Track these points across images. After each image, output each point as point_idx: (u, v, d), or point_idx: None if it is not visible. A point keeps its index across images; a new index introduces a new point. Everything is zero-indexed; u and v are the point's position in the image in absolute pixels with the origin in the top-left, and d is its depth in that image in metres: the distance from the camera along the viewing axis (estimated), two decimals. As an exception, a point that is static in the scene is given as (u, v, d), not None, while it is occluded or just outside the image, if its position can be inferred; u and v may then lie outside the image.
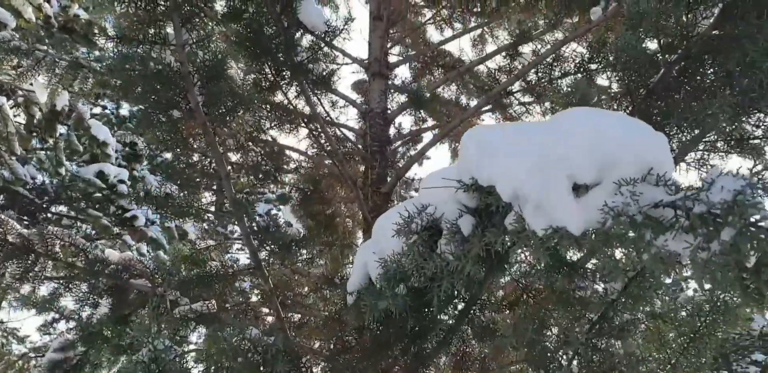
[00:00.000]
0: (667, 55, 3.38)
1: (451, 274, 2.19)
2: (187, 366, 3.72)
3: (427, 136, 7.14)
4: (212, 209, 11.53)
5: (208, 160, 5.48)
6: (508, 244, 1.99)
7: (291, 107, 5.32)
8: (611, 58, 4.14)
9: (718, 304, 3.89)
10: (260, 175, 5.39)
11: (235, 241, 10.21)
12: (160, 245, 10.42)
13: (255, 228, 4.11)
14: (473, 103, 6.98)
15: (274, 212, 12.33)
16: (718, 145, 3.57)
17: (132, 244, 10.60)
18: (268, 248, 4.23)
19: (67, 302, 5.43)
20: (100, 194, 10.49)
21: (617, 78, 3.85)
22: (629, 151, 1.65)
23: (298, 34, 4.97)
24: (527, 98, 6.25)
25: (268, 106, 5.39)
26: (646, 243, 1.54)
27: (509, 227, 1.89)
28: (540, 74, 5.77)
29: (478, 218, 2.09)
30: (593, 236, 1.65)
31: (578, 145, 1.69)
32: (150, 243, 10.56)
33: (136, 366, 2.94)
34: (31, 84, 7.53)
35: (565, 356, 2.71)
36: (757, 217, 1.40)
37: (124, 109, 13.74)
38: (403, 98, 6.32)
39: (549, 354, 2.51)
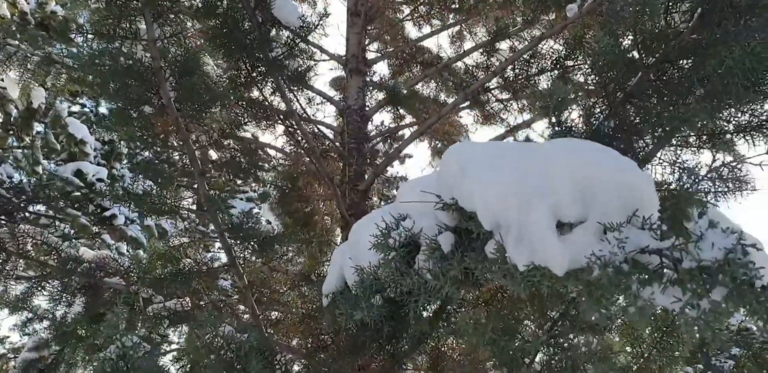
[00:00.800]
0: (645, 59, 3.39)
1: (428, 291, 2.16)
2: (161, 363, 3.69)
3: (406, 134, 7.13)
4: (193, 207, 11.46)
5: (184, 157, 5.44)
6: (488, 271, 1.96)
7: (267, 104, 5.28)
8: (589, 62, 4.14)
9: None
10: (236, 172, 5.35)
11: (216, 239, 10.15)
12: (140, 243, 10.32)
13: (229, 225, 4.08)
14: (452, 100, 6.97)
15: (256, 210, 12.28)
16: (690, 140, 3.58)
17: (111, 243, 10.50)
18: (242, 244, 4.20)
19: (41, 301, 5.38)
20: (78, 193, 10.39)
21: (594, 81, 3.86)
22: (614, 189, 1.62)
23: (273, 30, 4.93)
24: (505, 95, 6.26)
25: (244, 102, 5.35)
26: (632, 295, 1.51)
27: (490, 255, 1.85)
28: (517, 71, 5.77)
29: (458, 236, 2.05)
30: (576, 281, 1.62)
31: (563, 180, 1.66)
32: (130, 242, 10.48)
33: (104, 363, 2.90)
34: (2, 80, 7.43)
35: (527, 355, 2.69)
36: (748, 277, 1.39)
37: (103, 107, 13.61)
38: (381, 95, 6.30)
39: (511, 353, 2.49)
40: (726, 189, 3.71)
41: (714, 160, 2.97)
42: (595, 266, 1.51)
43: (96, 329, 4.79)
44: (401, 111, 6.90)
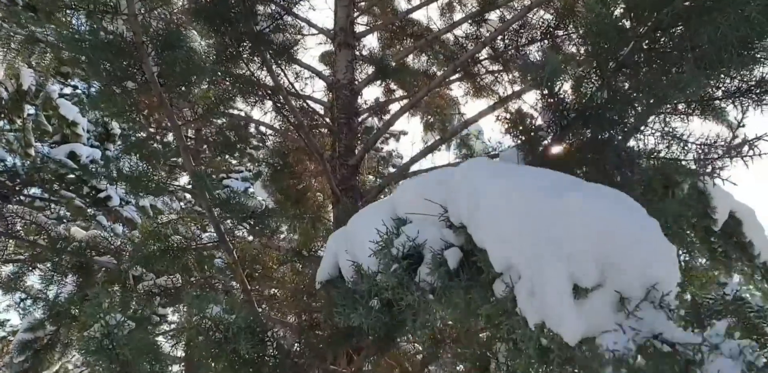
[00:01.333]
0: (637, 27, 3.33)
1: (428, 311, 2.10)
2: (154, 340, 3.68)
3: (397, 109, 7.07)
4: (189, 186, 11.40)
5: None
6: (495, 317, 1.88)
7: (254, 79, 5.22)
8: (580, 31, 4.08)
9: (687, 266, 3.91)
10: (226, 148, 5.31)
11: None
12: (136, 224, 10.33)
13: (217, 201, 4.04)
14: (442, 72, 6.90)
15: (251, 190, 12.27)
16: (680, 107, 3.53)
17: (107, 224, 10.50)
18: (231, 220, 4.18)
19: (34, 282, 5.37)
20: (72, 175, 10.36)
21: (585, 51, 3.79)
22: (636, 258, 1.53)
23: (258, 3, 4.86)
24: (496, 67, 6.18)
25: (230, 78, 5.28)
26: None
27: (498, 295, 1.79)
28: (507, 41, 5.70)
29: (464, 255, 1.98)
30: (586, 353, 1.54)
31: (581, 238, 1.56)
32: (125, 223, 10.48)
33: (88, 342, 2.89)
34: (-15, 60, 7.35)
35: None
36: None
37: (95, 88, 13.50)
38: (370, 69, 6.23)
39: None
40: (716, 157, 3.68)
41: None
42: (608, 364, 1.45)
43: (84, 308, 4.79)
44: (391, 85, 6.83)
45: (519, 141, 3.70)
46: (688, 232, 3.77)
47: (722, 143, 3.54)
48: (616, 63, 3.59)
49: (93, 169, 10.34)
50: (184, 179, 11.38)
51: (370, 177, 7.36)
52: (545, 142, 3.62)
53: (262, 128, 7.19)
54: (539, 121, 3.75)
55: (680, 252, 3.68)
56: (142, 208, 10.58)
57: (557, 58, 3.68)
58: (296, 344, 3.95)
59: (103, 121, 11.55)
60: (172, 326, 6.83)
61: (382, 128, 5.86)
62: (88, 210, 10.52)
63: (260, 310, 4.57)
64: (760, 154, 2.67)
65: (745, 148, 2.68)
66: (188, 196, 11.60)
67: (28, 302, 5.41)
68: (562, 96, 3.61)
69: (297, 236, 5.81)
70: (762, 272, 5.95)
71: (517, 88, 6.15)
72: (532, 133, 3.53)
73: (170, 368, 3.89)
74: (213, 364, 3.35)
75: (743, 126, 2.68)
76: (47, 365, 5.85)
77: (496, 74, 6.28)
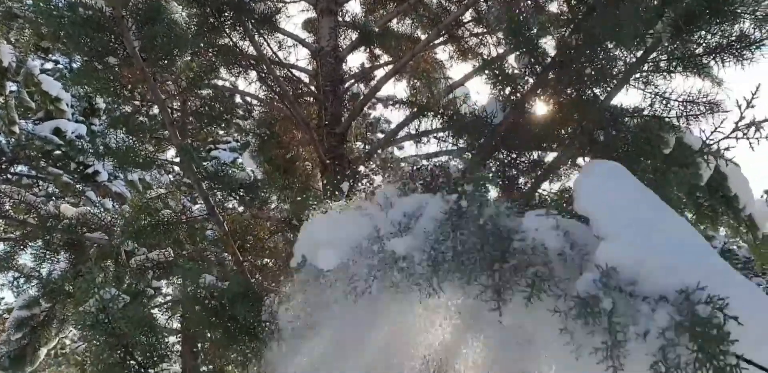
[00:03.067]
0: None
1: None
2: (149, 313, 3.71)
3: (383, 74, 7.02)
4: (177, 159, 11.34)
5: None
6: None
7: (237, 49, 5.17)
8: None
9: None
10: (211, 120, 5.28)
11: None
12: (125, 199, 10.32)
13: (204, 174, 4.04)
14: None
15: (240, 160, 12.23)
16: (662, 64, 3.53)
17: (96, 200, 10.48)
18: (220, 193, 4.18)
19: (27, 260, 5.39)
20: (58, 152, 10.29)
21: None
22: None
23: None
24: (480, 29, 6.14)
25: (213, 49, 5.23)
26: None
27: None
28: (490, 2, 5.64)
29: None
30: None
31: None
32: (114, 198, 10.46)
33: (84, 317, 2.91)
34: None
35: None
36: None
37: (77, 63, 13.31)
38: (354, 35, 6.17)
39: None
40: (698, 113, 3.69)
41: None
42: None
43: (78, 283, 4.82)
44: (376, 50, 6.77)
45: (498, 90, 3.69)
46: (674, 187, 3.80)
47: (704, 100, 3.55)
48: (587, 6, 3.58)
49: (79, 145, 10.27)
50: (171, 152, 11.34)
51: (359, 144, 7.35)
52: (522, 90, 3.61)
53: (248, 99, 7.15)
54: (516, 70, 3.74)
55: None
56: (130, 182, 10.55)
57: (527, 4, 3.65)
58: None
59: (87, 96, 11.42)
60: (167, 298, 6.89)
61: (368, 95, 5.83)
62: (77, 186, 10.49)
63: (253, 280, 4.61)
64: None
65: (752, 129, 2.69)
66: (177, 168, 11.56)
67: (22, 280, 5.44)
68: (535, 41, 3.61)
69: (287, 206, 5.82)
70: (747, 224, 6.01)
71: (501, 50, 6.12)
72: (509, 80, 3.53)
73: (167, 340, 3.93)
74: (209, 333, 3.39)
75: (752, 106, 2.65)
76: (45, 341, 5.91)
77: (480, 36, 6.23)
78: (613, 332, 1.33)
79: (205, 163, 4.09)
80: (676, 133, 3.79)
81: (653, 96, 3.71)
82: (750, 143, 2.43)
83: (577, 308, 1.41)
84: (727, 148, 2.71)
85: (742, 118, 2.39)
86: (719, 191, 5.41)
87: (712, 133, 2.59)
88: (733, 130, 2.55)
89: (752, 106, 2.34)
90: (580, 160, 4.81)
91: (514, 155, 5.00)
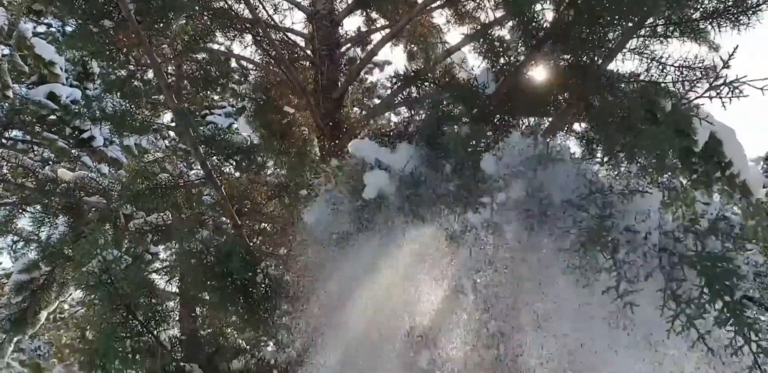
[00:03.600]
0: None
1: None
2: (148, 274, 3.78)
3: (379, 39, 6.97)
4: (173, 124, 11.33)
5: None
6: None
7: (232, 12, 5.13)
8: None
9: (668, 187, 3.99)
10: (207, 84, 5.27)
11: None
12: (121, 164, 10.30)
13: (201, 138, 4.06)
14: None
15: (235, 125, 12.19)
16: (658, 29, 3.53)
17: (92, 165, 10.46)
18: (216, 157, 4.20)
19: (24, 224, 5.43)
20: (53, 116, 10.23)
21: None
22: None
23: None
24: (478, -8, 6.09)
25: (208, 12, 5.19)
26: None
27: None
28: (487, -34, 5.59)
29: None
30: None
31: None
32: (110, 163, 10.44)
33: (87, 277, 2.96)
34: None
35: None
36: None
37: (71, 26, 13.14)
38: (350, -2, 6.12)
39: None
40: (695, 78, 3.70)
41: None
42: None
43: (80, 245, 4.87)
44: (372, 14, 6.71)
45: (490, 61, 3.70)
46: (669, 153, 3.84)
47: (700, 65, 3.56)
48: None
49: (75, 110, 10.22)
50: (167, 117, 11.30)
51: (355, 109, 7.34)
52: (516, 61, 3.61)
53: (244, 63, 7.11)
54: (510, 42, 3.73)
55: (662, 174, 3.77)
56: (126, 147, 10.52)
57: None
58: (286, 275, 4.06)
59: (81, 60, 11.31)
60: (165, 264, 6.95)
61: (365, 59, 5.81)
62: (72, 151, 10.46)
63: (251, 244, 4.66)
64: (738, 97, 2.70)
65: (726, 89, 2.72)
66: (173, 134, 11.55)
67: (20, 244, 5.48)
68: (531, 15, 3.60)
69: (284, 172, 5.85)
70: (742, 190, 6.07)
71: (499, 14, 6.07)
72: (502, 52, 3.53)
73: (166, 304, 4.00)
74: (207, 294, 3.45)
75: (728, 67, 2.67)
76: (45, 304, 5.98)
77: (477, 0, 6.18)
78: (621, 269, 1.38)
79: (201, 128, 4.10)
80: (672, 99, 3.80)
81: (650, 61, 3.72)
82: (722, 103, 2.48)
83: (583, 242, 1.47)
84: (697, 106, 2.78)
85: (717, 77, 2.42)
86: (714, 157, 5.44)
87: (687, 92, 2.63)
88: (707, 90, 2.59)
89: (728, 67, 2.38)
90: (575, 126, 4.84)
91: (509, 119, 5.01)
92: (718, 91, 2.64)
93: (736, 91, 2.64)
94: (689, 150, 5.03)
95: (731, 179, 5.71)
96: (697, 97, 2.81)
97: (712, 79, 2.66)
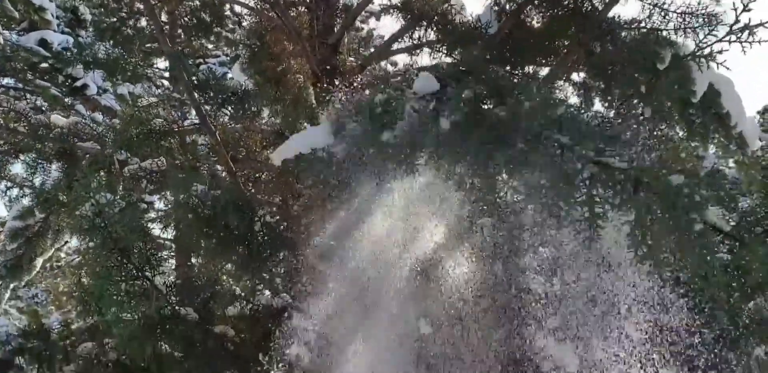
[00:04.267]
0: None
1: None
2: (143, 221, 3.77)
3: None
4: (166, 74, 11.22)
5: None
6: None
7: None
8: None
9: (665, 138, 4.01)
10: (201, 29, 5.17)
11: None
12: (115, 113, 10.19)
13: (196, 82, 3.99)
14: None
15: (229, 75, 12.03)
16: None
17: (86, 114, 10.35)
18: (212, 101, 4.15)
19: (17, 170, 5.39)
20: (45, 64, 10.07)
21: None
22: None
23: None
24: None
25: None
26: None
27: None
28: None
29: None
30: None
31: None
32: (104, 112, 10.33)
33: (81, 221, 2.95)
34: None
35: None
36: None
37: (60, -29, 12.83)
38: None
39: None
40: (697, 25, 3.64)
41: None
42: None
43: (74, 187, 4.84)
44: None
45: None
46: (667, 104, 3.82)
47: (703, 12, 3.50)
48: None
49: (67, 56, 10.06)
50: (161, 65, 11.14)
51: (351, 58, 7.23)
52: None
53: (238, 9, 6.97)
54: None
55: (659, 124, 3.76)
56: (120, 96, 10.38)
57: None
58: (283, 223, 4.06)
59: (72, 6, 11.08)
60: (160, 213, 6.94)
61: (362, 3, 5.69)
62: (65, 99, 10.34)
63: (246, 191, 4.65)
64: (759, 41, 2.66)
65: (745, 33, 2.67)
66: (167, 83, 11.41)
67: (14, 190, 5.46)
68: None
69: (279, 120, 5.79)
70: (738, 142, 6.06)
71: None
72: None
73: (161, 252, 4.01)
74: (203, 242, 3.45)
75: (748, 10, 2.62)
76: (40, 251, 5.99)
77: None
78: (590, 204, 1.38)
79: (195, 72, 4.03)
80: (673, 48, 3.75)
81: (652, 7, 3.65)
82: (743, 47, 2.43)
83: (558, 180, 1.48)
84: (720, 52, 2.72)
85: (737, 21, 2.37)
86: (712, 108, 5.41)
87: (705, 36, 2.58)
88: (727, 34, 2.54)
89: (748, 10, 2.33)
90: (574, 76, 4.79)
91: (508, 68, 4.96)
92: (739, 35, 2.60)
93: (755, 35, 2.60)
94: (687, 101, 4.99)
95: (728, 131, 5.69)
96: (716, 41, 2.76)
97: (732, 23, 2.61)
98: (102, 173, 4.62)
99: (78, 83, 10.22)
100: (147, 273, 3.28)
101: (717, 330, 4.07)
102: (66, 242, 7.65)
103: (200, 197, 3.28)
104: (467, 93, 1.91)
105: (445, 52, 4.24)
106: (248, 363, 3.78)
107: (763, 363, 3.59)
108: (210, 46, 11.92)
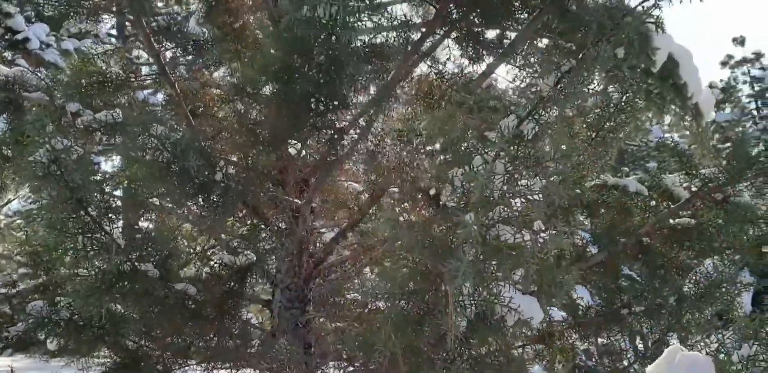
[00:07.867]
0: None
1: None
2: (96, 168, 3.58)
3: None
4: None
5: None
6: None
7: None
8: None
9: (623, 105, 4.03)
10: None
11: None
12: (60, 69, 9.79)
13: (156, 28, 3.79)
14: None
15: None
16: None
17: (27, 69, 9.91)
18: (171, 49, 3.95)
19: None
20: (-16, 14, 9.58)
21: None
22: None
23: None
24: None
25: None
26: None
27: None
28: None
29: None
30: None
31: None
32: (48, 67, 9.91)
33: (34, 166, 2.76)
34: None
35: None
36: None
37: None
38: None
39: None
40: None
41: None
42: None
43: (23, 149, 4.59)
44: None
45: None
46: (626, 73, 3.83)
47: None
48: None
49: (7, 10, 9.60)
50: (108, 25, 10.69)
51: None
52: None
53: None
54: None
55: (618, 93, 3.78)
56: (65, 52, 9.98)
57: None
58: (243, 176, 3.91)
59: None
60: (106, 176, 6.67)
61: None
62: (5, 54, 9.88)
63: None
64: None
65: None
66: (114, 40, 11.00)
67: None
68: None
69: (238, 75, 5.59)
70: (693, 112, 6.15)
71: None
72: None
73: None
74: (161, 185, 3.27)
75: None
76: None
77: None
78: None
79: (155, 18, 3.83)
80: (630, 16, 3.74)
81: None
82: None
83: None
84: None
85: None
86: (670, 78, 5.45)
87: None
88: None
89: None
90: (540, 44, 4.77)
91: (478, 30, 4.89)
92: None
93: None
94: (647, 70, 5.02)
95: (684, 102, 5.76)
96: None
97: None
98: (52, 126, 4.37)
99: (19, 36, 9.78)
100: (105, 226, 3.12)
101: (673, 293, 4.16)
102: (8, 201, 7.34)
103: (159, 138, 3.08)
104: None
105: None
106: (209, 322, 3.68)
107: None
108: (160, 5, 11.51)
